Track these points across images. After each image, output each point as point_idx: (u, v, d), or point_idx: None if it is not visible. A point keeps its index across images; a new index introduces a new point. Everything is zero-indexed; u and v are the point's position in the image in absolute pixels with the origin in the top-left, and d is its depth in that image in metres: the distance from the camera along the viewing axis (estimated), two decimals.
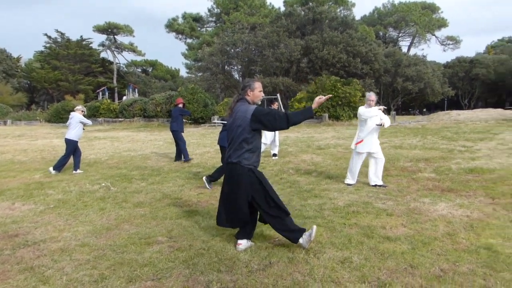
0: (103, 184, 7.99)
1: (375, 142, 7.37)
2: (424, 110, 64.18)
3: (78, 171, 9.60)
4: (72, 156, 9.68)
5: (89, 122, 10.20)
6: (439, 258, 3.95)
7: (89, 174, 9.29)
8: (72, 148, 9.60)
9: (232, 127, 4.20)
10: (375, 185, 7.31)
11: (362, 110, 7.33)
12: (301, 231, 4.19)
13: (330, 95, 4.64)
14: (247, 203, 4.15)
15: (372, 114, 7.18)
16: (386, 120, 7.26)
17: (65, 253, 4.25)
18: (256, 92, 4.29)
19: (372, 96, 7.38)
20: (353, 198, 6.50)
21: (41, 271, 3.81)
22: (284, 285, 3.43)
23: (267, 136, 11.13)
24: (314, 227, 4.22)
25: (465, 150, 11.72)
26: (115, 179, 8.59)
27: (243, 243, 4.28)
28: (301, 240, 4.17)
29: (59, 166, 9.59)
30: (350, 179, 7.59)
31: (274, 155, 11.43)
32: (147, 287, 3.42)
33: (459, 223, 5.06)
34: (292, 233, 4.17)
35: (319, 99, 4.18)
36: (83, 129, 9.99)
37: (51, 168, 9.62)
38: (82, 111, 9.96)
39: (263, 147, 11.44)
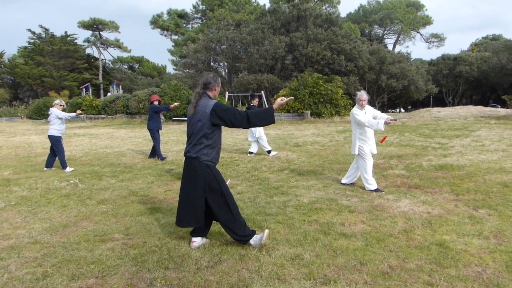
0: (71, 181, 7.89)
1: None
2: (409, 107, 64.61)
3: (49, 169, 9.47)
4: (52, 152, 9.47)
5: (65, 115, 9.53)
6: (390, 255, 3.96)
7: (59, 171, 9.15)
8: (58, 143, 9.33)
9: (192, 122, 4.13)
10: (345, 184, 7.32)
11: (356, 111, 6.78)
12: (252, 235, 4.19)
13: (292, 98, 4.63)
14: (203, 199, 4.11)
15: (365, 119, 6.62)
16: (381, 115, 6.84)
17: (14, 250, 4.18)
18: (218, 89, 4.33)
19: (363, 95, 6.77)
20: (319, 195, 6.51)
21: None
22: (229, 282, 3.40)
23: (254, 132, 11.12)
24: (266, 231, 4.23)
25: (439, 147, 11.84)
26: (85, 176, 8.48)
27: (197, 241, 4.25)
28: (252, 242, 4.17)
29: (63, 164, 9.36)
30: (373, 184, 6.81)
31: (250, 152, 11.39)
32: (89, 285, 3.37)
33: (418, 219, 5.09)
34: (241, 236, 4.14)
35: (281, 100, 4.15)
36: (65, 123, 9.65)
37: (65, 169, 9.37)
38: (61, 105, 9.61)
39: (256, 148, 11.42)
